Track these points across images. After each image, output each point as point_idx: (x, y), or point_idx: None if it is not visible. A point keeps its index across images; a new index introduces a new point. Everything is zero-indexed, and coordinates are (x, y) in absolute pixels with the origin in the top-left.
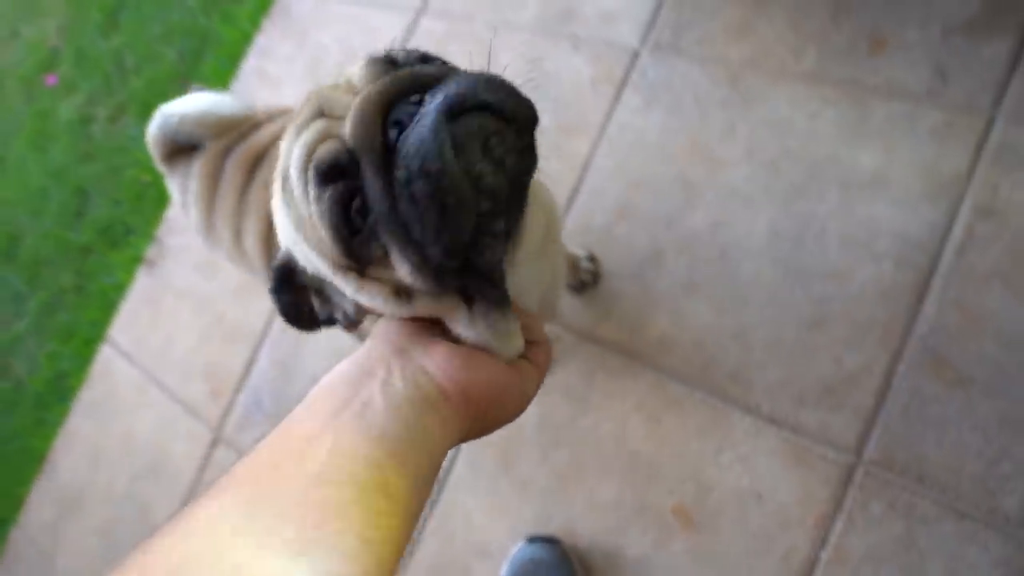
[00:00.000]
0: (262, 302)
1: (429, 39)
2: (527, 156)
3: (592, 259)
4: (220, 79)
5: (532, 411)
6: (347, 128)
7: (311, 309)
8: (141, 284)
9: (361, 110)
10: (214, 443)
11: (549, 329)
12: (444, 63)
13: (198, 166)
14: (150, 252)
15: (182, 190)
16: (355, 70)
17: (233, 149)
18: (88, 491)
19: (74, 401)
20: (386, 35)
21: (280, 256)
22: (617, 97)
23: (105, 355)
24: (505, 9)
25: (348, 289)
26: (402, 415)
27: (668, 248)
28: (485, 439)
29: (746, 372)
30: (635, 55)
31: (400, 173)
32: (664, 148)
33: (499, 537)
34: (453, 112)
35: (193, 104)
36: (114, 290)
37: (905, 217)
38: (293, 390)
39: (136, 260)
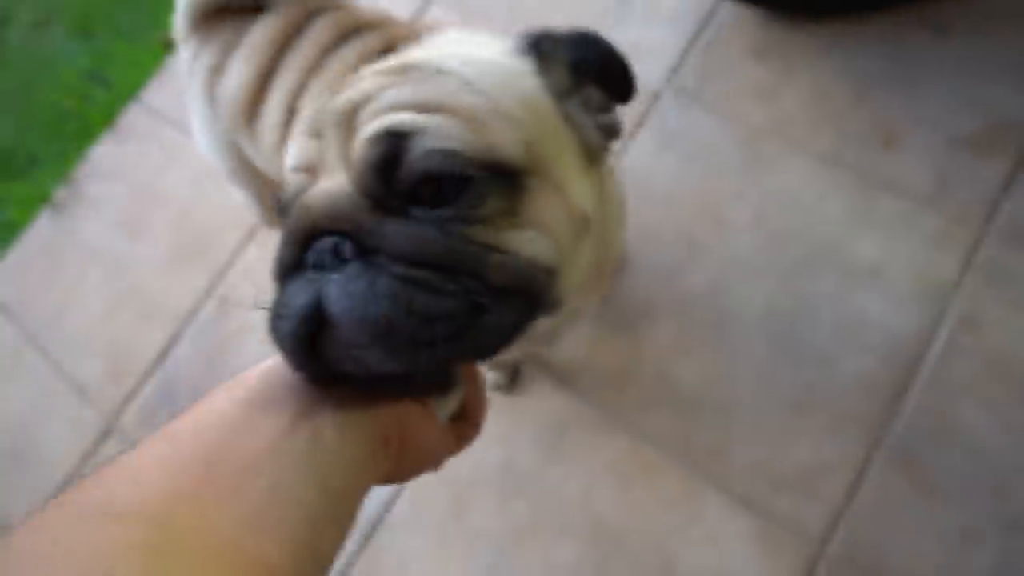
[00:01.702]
0: (199, 277)
1: None
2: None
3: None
4: None
5: (496, 454)
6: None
7: None
8: (41, 229)
9: (292, 230)
10: (105, 435)
11: (530, 370)
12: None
13: (270, 19)
14: (59, 194)
15: (220, 53)
16: (363, 87)
17: (321, 13)
18: None
19: None
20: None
21: None
22: (632, 136)
23: None
24: (531, 19)
25: None
26: (347, 459)
27: (663, 304)
28: (442, 476)
29: (726, 448)
30: (656, 96)
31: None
32: (672, 198)
33: None
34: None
35: None
36: (4, 229)
37: (895, 314)
38: None
39: (40, 199)
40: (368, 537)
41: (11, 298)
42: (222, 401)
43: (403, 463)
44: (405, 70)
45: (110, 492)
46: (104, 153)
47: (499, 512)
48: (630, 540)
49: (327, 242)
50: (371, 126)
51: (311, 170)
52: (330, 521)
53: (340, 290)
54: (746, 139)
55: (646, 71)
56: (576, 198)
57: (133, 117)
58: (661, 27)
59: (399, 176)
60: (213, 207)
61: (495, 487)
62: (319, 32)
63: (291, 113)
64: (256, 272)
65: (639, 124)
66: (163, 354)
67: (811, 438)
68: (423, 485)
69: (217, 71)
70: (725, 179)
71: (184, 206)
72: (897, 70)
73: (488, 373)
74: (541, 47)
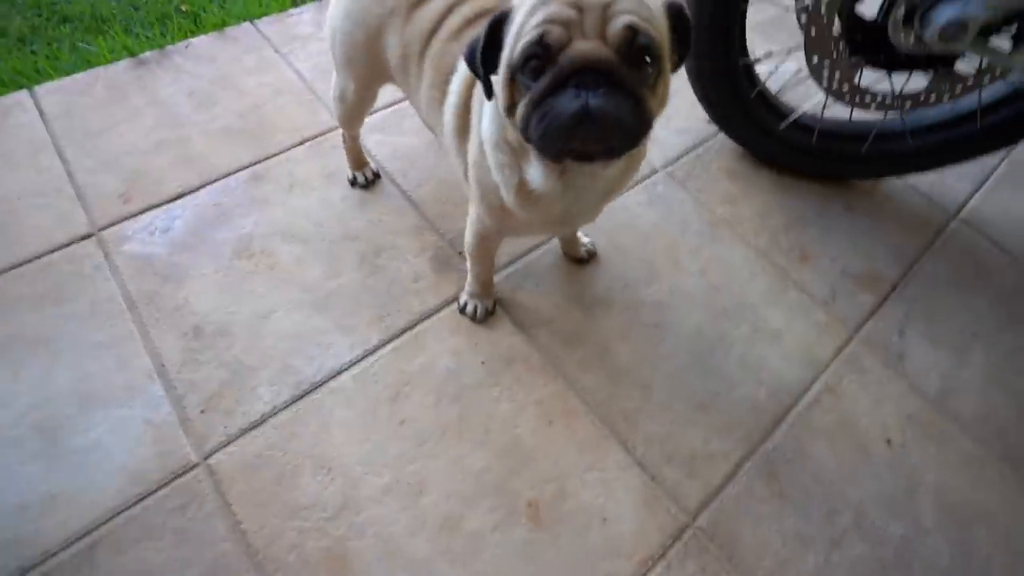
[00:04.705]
0: (243, 153)
1: None
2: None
3: (592, 244)
4: None
5: (448, 362)
6: (565, 53)
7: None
8: (117, 69)
9: (565, 63)
10: (85, 237)
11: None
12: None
13: None
14: (148, 54)
15: None
16: None
17: None
18: None
19: None
20: None
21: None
22: (631, 188)
23: (16, 100)
24: None
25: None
26: None
27: (619, 301)
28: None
29: (637, 417)
30: (654, 170)
31: (544, 108)
32: (647, 237)
33: (348, 463)
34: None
35: None
36: (82, 61)
37: (785, 367)
38: (218, 236)
39: (123, 49)
40: (303, 395)
41: (56, 107)
42: None
43: None
44: None
45: None
46: (204, 44)
47: (433, 408)
48: (536, 466)
49: (590, 75)
50: (622, 20)
51: (568, 26)
52: None
53: (604, 101)
54: (709, 222)
55: (653, 154)
56: (669, 84)
57: (243, 31)
58: (672, 132)
59: (637, 45)
60: (281, 114)
61: (436, 387)
62: None
63: (448, 13)
64: (296, 166)
65: (637, 183)
66: (182, 194)
67: (704, 431)
68: (372, 366)
69: None
70: (687, 238)
71: (256, 102)
72: (819, 219)
73: (470, 301)
74: (670, 6)
